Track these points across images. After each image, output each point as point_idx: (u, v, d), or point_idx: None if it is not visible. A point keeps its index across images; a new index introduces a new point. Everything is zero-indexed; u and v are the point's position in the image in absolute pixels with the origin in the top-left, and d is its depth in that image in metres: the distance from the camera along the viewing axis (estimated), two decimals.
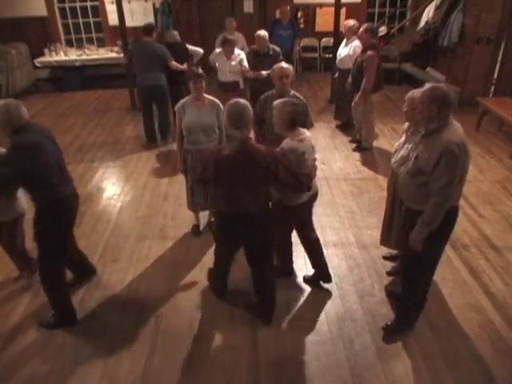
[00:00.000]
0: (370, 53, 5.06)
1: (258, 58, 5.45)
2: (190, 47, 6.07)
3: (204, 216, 4.16)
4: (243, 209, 2.67)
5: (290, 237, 3.32)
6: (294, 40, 7.64)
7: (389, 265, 3.57)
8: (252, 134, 2.81)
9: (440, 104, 2.34)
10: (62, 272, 2.98)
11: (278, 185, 2.76)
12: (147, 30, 5.70)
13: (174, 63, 5.73)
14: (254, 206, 2.68)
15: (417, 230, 2.53)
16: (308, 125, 3.84)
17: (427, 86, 2.44)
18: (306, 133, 2.96)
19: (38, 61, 8.52)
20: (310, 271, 3.55)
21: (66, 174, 2.91)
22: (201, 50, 6.17)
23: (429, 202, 2.44)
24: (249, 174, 2.58)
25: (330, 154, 5.65)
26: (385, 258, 3.65)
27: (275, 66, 3.72)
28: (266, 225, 2.82)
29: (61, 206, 2.81)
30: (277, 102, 2.88)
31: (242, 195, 2.63)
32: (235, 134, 2.56)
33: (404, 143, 2.97)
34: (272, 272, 3.03)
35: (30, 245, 3.19)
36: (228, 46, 5.29)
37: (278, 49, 5.55)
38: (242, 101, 2.66)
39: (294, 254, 3.71)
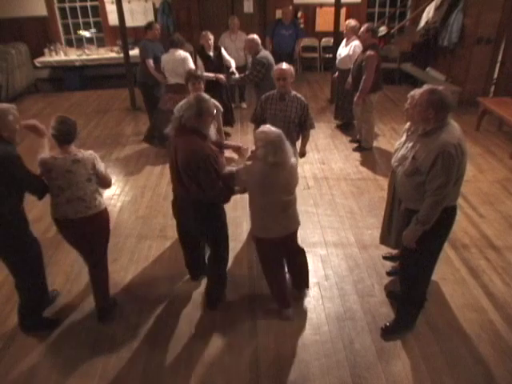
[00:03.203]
0: (369, 52, 5.06)
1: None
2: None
3: None
4: (177, 193, 2.95)
5: None
6: (297, 40, 7.63)
7: (389, 265, 3.57)
8: (213, 131, 3.02)
9: (437, 108, 2.35)
10: None
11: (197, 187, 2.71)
12: (144, 28, 5.91)
13: (148, 62, 5.72)
14: (186, 196, 2.81)
15: (411, 229, 2.54)
16: (308, 126, 3.85)
17: (425, 87, 2.44)
18: (73, 155, 2.68)
19: (38, 61, 8.52)
20: (310, 271, 3.55)
21: None
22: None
23: (424, 202, 2.45)
24: (178, 163, 2.70)
25: (330, 154, 5.65)
26: (385, 258, 3.65)
27: (276, 67, 3.74)
28: (199, 221, 2.91)
29: None
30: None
31: (172, 179, 2.91)
32: (176, 118, 2.82)
33: (404, 142, 2.97)
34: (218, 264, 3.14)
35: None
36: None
37: (261, 60, 4.92)
38: (204, 95, 2.82)
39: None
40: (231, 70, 5.75)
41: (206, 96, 2.81)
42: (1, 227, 2.64)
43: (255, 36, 5.14)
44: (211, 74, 5.43)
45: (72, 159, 2.68)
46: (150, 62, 5.73)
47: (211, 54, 5.68)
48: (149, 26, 5.83)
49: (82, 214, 2.77)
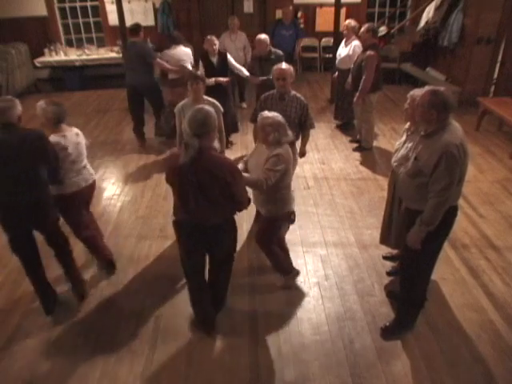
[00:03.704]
0: (369, 53, 5.06)
1: (260, 62, 5.35)
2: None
3: None
4: (199, 219, 2.60)
5: None
6: (297, 40, 7.63)
7: (389, 265, 3.57)
8: (217, 143, 2.66)
9: (439, 109, 2.35)
10: (24, 263, 3.05)
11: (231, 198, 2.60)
12: (133, 30, 5.70)
13: (159, 61, 5.69)
14: (214, 217, 2.60)
15: (415, 230, 2.54)
16: (308, 126, 3.85)
17: (427, 88, 2.44)
18: (73, 130, 3.15)
19: (38, 61, 8.52)
20: (310, 271, 3.56)
21: (22, 184, 2.75)
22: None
23: (428, 203, 2.45)
24: (204, 185, 2.47)
25: (329, 154, 5.65)
26: (385, 257, 3.65)
27: (275, 67, 3.73)
28: (226, 237, 2.78)
29: (5, 214, 2.83)
30: (39, 103, 2.97)
31: (196, 206, 2.53)
32: (193, 141, 2.40)
33: (404, 142, 2.97)
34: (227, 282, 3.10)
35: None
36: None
37: (280, 52, 5.38)
38: (207, 107, 2.52)
39: (294, 254, 3.72)
40: (247, 76, 5.58)
41: (210, 109, 2.53)
42: (47, 207, 2.94)
43: (266, 36, 5.35)
44: (212, 80, 5.16)
45: (75, 132, 3.13)
46: (159, 60, 5.73)
47: (214, 59, 5.42)
48: (139, 27, 5.68)
49: (89, 182, 3.24)
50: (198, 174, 2.44)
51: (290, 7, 8.02)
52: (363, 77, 5.12)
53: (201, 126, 2.41)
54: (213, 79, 5.22)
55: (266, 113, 2.89)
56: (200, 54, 5.61)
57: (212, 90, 4.84)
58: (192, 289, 2.94)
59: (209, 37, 5.42)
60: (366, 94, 5.22)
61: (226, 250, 2.89)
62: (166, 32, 8.84)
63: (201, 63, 5.44)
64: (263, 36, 5.33)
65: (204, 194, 2.50)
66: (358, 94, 5.25)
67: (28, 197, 2.77)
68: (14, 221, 2.86)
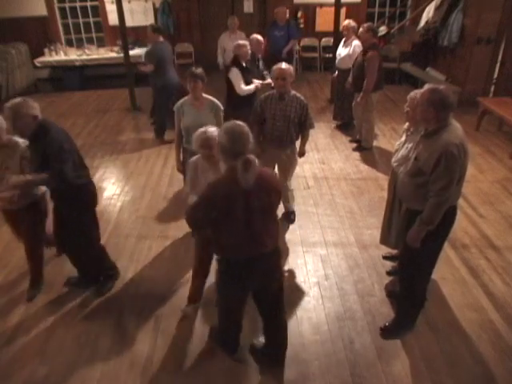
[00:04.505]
0: (371, 53, 5.06)
1: (255, 62, 5.21)
2: None
3: None
4: (259, 246, 2.31)
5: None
6: (289, 41, 7.45)
7: (389, 265, 3.57)
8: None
9: (437, 107, 2.35)
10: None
11: None
12: (157, 30, 5.93)
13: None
14: (271, 239, 2.36)
15: (415, 230, 2.54)
16: (308, 126, 3.85)
17: (427, 87, 2.44)
18: None
19: (38, 61, 8.52)
20: (310, 271, 3.56)
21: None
22: None
23: (428, 203, 2.45)
24: (265, 203, 2.24)
25: (329, 154, 5.65)
26: (385, 257, 3.65)
27: (274, 67, 3.72)
28: (279, 264, 2.56)
29: (87, 192, 3.09)
30: None
31: (258, 230, 2.27)
32: (252, 158, 2.14)
33: (404, 143, 2.97)
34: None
35: None
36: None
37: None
38: (239, 123, 2.29)
39: (294, 254, 3.72)
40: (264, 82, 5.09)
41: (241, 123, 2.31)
42: None
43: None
44: (257, 82, 4.76)
45: None
46: None
47: (246, 64, 4.84)
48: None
49: None
50: (260, 192, 2.22)
51: (285, 7, 7.74)
52: (366, 78, 5.11)
53: (248, 140, 2.21)
54: (259, 82, 4.80)
55: (203, 129, 2.77)
56: (233, 62, 4.88)
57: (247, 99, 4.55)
58: (229, 321, 2.72)
59: (241, 42, 4.90)
60: (369, 94, 5.22)
61: (278, 279, 2.58)
62: (167, 32, 8.82)
63: (235, 71, 4.70)
64: (260, 36, 5.24)
65: (263, 215, 2.27)
66: (361, 94, 5.24)
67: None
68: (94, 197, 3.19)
